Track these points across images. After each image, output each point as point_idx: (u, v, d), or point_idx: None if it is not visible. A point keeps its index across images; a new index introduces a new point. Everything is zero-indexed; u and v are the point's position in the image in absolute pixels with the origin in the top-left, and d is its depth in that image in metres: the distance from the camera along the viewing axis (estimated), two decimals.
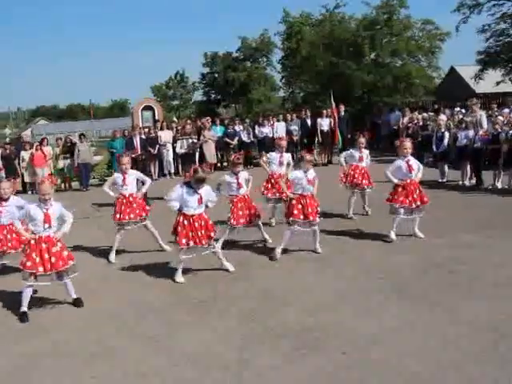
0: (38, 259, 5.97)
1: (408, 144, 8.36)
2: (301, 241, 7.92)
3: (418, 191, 8.22)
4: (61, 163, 17.31)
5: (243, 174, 8.40)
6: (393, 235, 8.19)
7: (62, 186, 17.45)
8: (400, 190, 8.17)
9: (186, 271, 7.33)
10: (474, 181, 12.83)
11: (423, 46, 26.31)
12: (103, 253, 8.57)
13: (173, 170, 17.77)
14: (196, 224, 6.88)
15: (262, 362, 4.66)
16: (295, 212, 7.59)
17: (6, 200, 7.31)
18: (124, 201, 8.17)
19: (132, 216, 8.12)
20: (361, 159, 9.96)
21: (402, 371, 4.34)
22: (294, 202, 7.65)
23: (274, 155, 9.64)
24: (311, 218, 7.59)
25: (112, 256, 8.21)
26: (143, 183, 8.55)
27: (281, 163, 9.51)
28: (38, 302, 6.43)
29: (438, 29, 26.37)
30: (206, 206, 7.13)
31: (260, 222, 8.44)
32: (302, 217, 7.58)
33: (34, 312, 6.15)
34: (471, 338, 4.85)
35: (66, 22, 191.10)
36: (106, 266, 7.92)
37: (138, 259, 8.14)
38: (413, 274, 6.69)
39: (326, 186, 9.04)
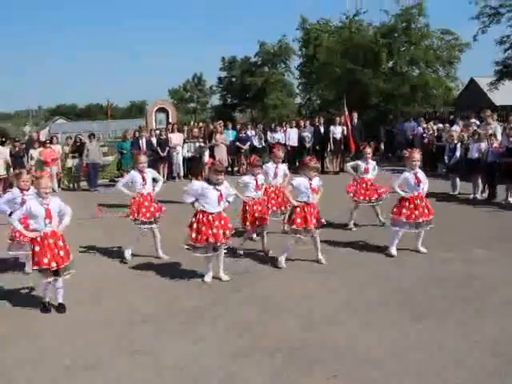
0: (47, 258, 5.87)
1: (417, 156, 8.07)
2: (304, 251, 7.72)
3: (424, 204, 7.93)
4: (69, 162, 17.25)
5: (261, 177, 8.39)
6: (394, 251, 7.92)
7: (71, 185, 17.40)
8: (406, 204, 7.88)
9: (184, 277, 7.19)
10: (485, 194, 12.48)
11: (442, 55, 25.94)
12: (99, 256, 8.42)
13: (182, 173, 17.63)
14: (216, 222, 6.81)
15: (249, 377, 4.44)
16: (298, 220, 7.40)
17: (28, 190, 7.43)
18: (141, 199, 8.02)
19: (148, 215, 7.99)
20: (366, 170, 9.73)
21: None
22: (298, 210, 7.44)
23: (269, 166, 9.32)
24: (311, 227, 7.39)
25: (128, 253, 8.08)
26: (154, 181, 8.40)
27: (276, 175, 9.15)
28: (29, 306, 6.28)
29: (458, 39, 25.99)
30: (228, 202, 7.14)
31: (265, 233, 8.28)
32: (304, 225, 7.39)
33: (23, 317, 6.00)
34: (479, 358, 4.61)
35: (89, 21, 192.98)
36: (101, 270, 7.69)
37: (136, 265, 7.96)
38: (418, 289, 6.44)
39: (336, 195, 8.85)
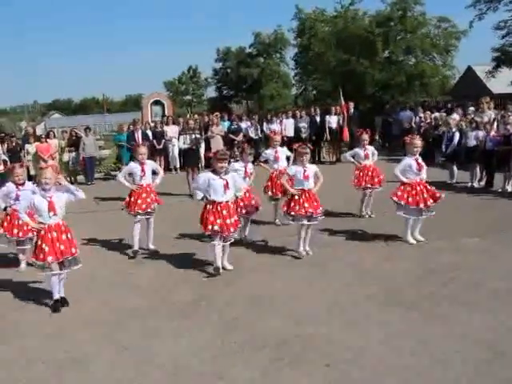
0: (47, 249, 5.85)
1: (418, 142, 8.03)
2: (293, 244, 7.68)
3: (426, 190, 7.89)
4: (66, 156, 17.17)
5: (251, 165, 8.44)
6: (410, 239, 7.89)
7: (67, 179, 17.32)
8: (408, 189, 7.84)
9: (171, 273, 7.12)
10: (483, 183, 12.42)
11: (438, 44, 25.79)
12: (92, 251, 8.35)
13: (178, 165, 17.56)
14: (224, 212, 6.79)
15: (236, 375, 4.36)
16: (297, 208, 7.39)
17: (23, 184, 7.44)
18: (141, 191, 7.97)
19: (144, 206, 7.93)
20: (366, 156, 9.69)
21: None
22: (296, 197, 7.44)
23: (268, 152, 9.39)
24: (310, 211, 7.37)
25: (136, 246, 8.02)
26: (154, 173, 8.34)
27: (276, 159, 9.24)
28: (17, 304, 6.24)
29: (455, 27, 25.83)
30: (235, 197, 7.15)
31: (250, 218, 8.32)
32: (303, 211, 7.38)
33: (11, 315, 5.93)
34: (465, 355, 4.49)
35: (82, 17, 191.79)
36: (90, 266, 7.35)
37: (123, 260, 7.89)
38: (408, 282, 6.34)
39: (334, 185, 8.77)
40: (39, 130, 26.54)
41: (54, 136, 17.59)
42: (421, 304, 5.65)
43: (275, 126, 18.62)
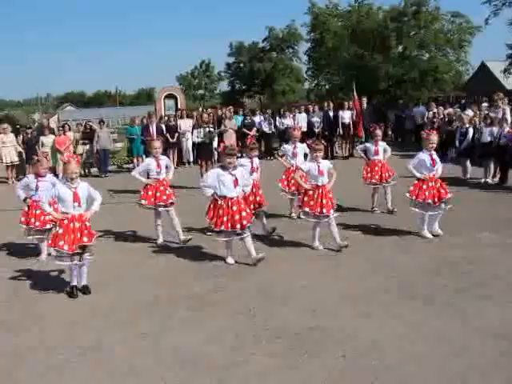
0: (66, 237, 5.98)
1: (435, 138, 8.06)
2: (308, 238, 7.74)
3: (439, 185, 7.91)
4: (80, 149, 17.33)
5: (257, 160, 8.47)
6: (426, 234, 7.91)
7: (82, 171, 17.48)
8: (423, 185, 7.87)
9: (188, 265, 7.22)
10: (497, 179, 12.41)
11: (452, 39, 25.68)
12: (109, 242, 8.46)
13: (191, 159, 17.66)
14: (234, 208, 6.87)
15: (254, 364, 4.44)
16: (311, 203, 7.46)
17: (44, 176, 7.64)
18: (157, 185, 8.05)
19: (165, 198, 8.02)
20: (376, 152, 9.69)
21: (401, 379, 4.09)
22: (310, 192, 7.51)
23: (287, 147, 9.46)
24: (325, 211, 7.41)
25: (161, 239, 8.18)
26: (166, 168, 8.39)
27: (294, 154, 9.32)
28: (37, 293, 6.37)
29: (469, 22, 25.71)
30: (244, 192, 7.22)
31: (262, 213, 8.35)
32: (318, 209, 7.43)
33: (31, 304, 6.05)
34: (479, 346, 4.56)
35: (97, 11, 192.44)
36: (107, 258, 7.53)
37: (139, 252, 7.99)
38: (424, 275, 6.40)
39: (346, 180, 8.82)
40: (52, 123, 26.73)
41: (69, 129, 17.74)
42: (436, 297, 5.70)
43: (288, 121, 18.70)
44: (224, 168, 6.97)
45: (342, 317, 5.31)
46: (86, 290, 6.25)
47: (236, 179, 6.94)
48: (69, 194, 6.08)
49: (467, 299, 5.59)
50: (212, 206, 7.00)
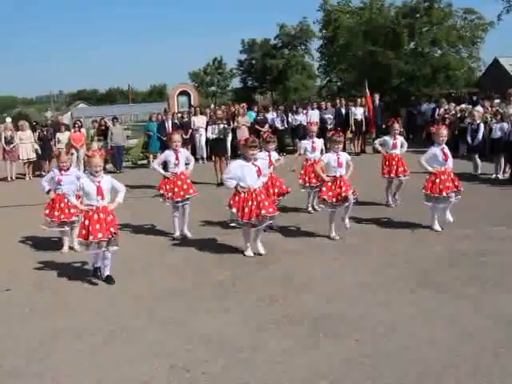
0: (91, 228, 6.20)
1: (444, 132, 8.21)
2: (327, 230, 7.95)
3: (450, 178, 8.06)
4: (95, 145, 17.56)
5: (275, 154, 8.68)
6: (437, 227, 8.07)
7: None
8: (436, 179, 8.00)
9: (209, 254, 7.44)
10: (507, 174, 12.51)
11: (464, 36, 25.65)
12: (127, 235, 8.64)
13: (205, 155, 17.86)
14: (258, 198, 7.05)
15: (275, 347, 4.65)
16: (330, 193, 7.74)
17: (67, 170, 7.91)
18: (175, 179, 8.21)
19: (182, 194, 8.18)
20: (395, 146, 9.85)
21: (416, 360, 4.29)
22: (329, 183, 7.79)
23: (305, 142, 9.65)
24: (344, 194, 7.68)
25: (177, 232, 8.38)
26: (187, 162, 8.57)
27: (314, 149, 9.50)
28: (63, 283, 6.60)
29: (481, 18, 25.66)
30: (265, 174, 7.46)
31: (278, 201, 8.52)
32: (334, 199, 7.72)
33: (57, 293, 6.28)
34: (492, 331, 4.73)
35: (107, 7, 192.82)
36: (130, 248, 7.78)
37: (161, 243, 8.24)
38: (438, 265, 6.57)
39: (359, 176, 8.97)
40: (65, 120, 27.05)
41: (82, 126, 18.00)
42: (451, 285, 5.88)
43: (301, 117, 18.85)
44: (247, 159, 7.15)
45: (359, 303, 5.51)
46: (109, 280, 6.46)
47: (259, 169, 7.13)
48: (92, 188, 6.30)
49: (480, 288, 5.77)
50: (237, 198, 7.14)
